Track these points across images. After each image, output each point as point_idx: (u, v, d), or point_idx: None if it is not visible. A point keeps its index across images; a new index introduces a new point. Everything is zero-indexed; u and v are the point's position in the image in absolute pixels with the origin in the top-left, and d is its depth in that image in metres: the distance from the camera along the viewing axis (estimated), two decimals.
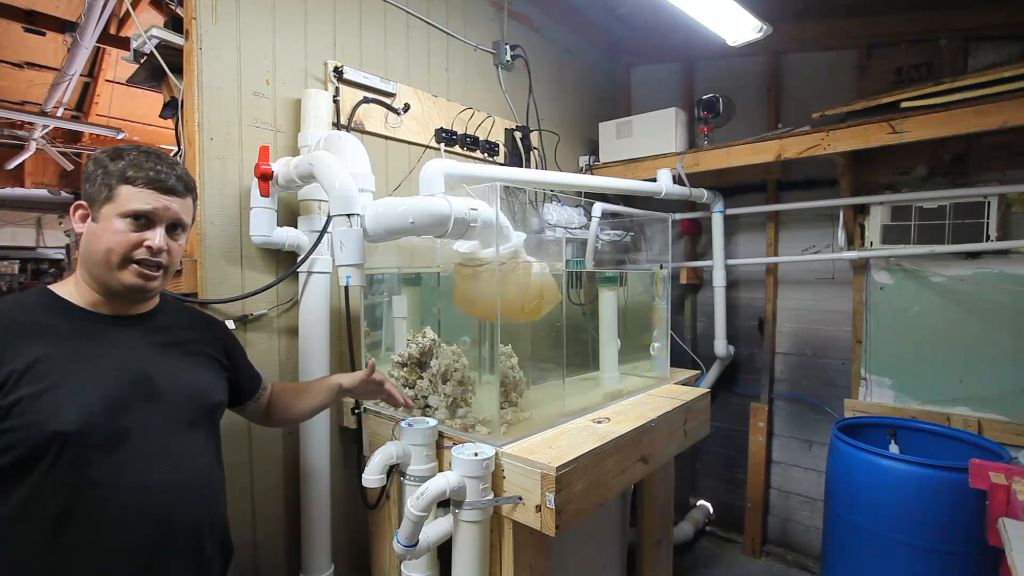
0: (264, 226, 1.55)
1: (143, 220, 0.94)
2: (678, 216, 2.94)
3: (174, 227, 0.99)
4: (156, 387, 0.97)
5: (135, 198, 0.93)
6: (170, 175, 0.97)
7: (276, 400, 1.32)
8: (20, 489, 0.84)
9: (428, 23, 2.16)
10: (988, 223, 2.14)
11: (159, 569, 0.93)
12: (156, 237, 0.95)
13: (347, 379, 1.34)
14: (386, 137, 1.97)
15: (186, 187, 1.00)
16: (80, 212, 0.96)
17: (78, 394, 0.87)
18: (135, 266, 0.95)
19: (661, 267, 2.16)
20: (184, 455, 0.99)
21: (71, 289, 0.97)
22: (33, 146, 4.86)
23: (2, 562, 0.84)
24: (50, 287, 0.97)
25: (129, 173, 0.93)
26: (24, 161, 5.24)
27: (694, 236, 3.09)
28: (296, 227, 1.65)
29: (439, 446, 1.41)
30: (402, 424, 1.39)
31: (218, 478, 1.10)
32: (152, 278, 0.97)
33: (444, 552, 1.34)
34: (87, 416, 0.86)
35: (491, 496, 1.26)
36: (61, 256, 8.29)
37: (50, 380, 0.85)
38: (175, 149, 1.65)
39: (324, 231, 1.56)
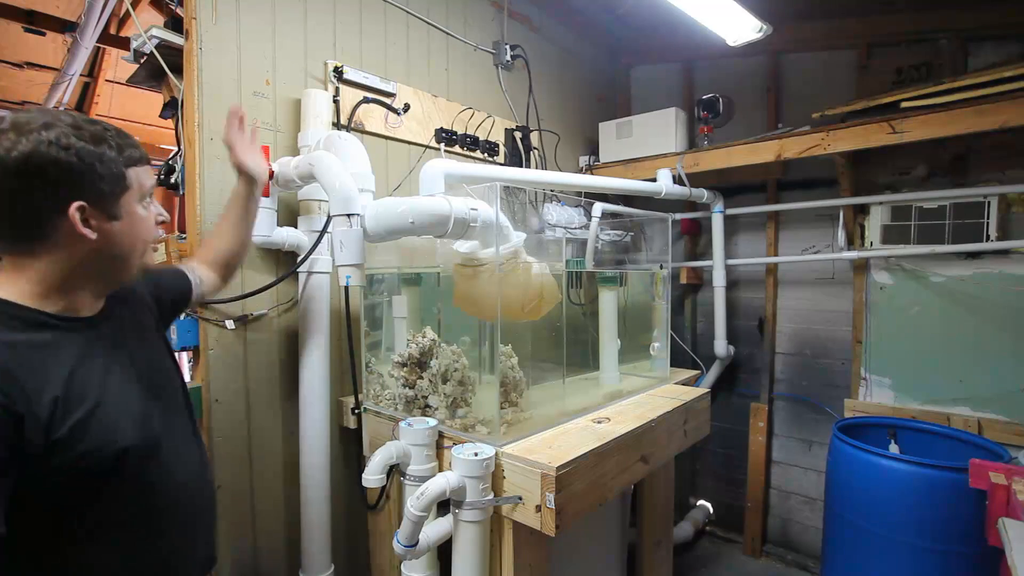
0: (264, 226, 1.55)
1: (149, 198, 0.89)
2: (678, 216, 2.94)
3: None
4: (156, 385, 0.95)
5: (144, 177, 0.87)
6: (141, 146, 0.90)
7: (213, 261, 1.23)
8: (93, 507, 0.81)
9: (428, 23, 2.16)
10: (988, 223, 2.14)
11: (208, 550, 1.00)
12: (160, 208, 0.92)
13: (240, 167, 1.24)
14: (386, 137, 1.97)
15: None
16: (80, 215, 0.78)
17: (121, 407, 0.84)
18: (150, 245, 0.91)
19: (661, 267, 2.16)
20: (191, 444, 1.01)
21: (32, 297, 0.80)
22: None
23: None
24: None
25: (134, 154, 0.86)
26: None
27: (694, 236, 3.09)
28: (296, 227, 1.65)
29: (439, 446, 1.41)
30: (402, 424, 1.39)
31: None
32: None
33: (444, 552, 1.34)
34: (139, 426, 0.85)
35: (491, 496, 1.26)
36: None
37: (90, 398, 0.80)
38: (175, 149, 1.64)
39: (324, 231, 1.56)
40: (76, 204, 0.78)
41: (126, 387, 0.87)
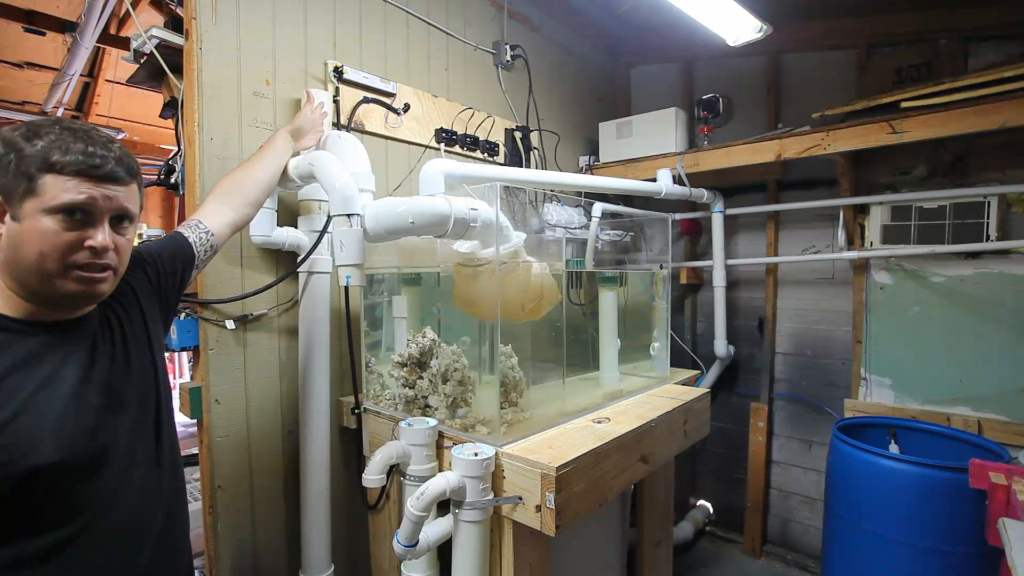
0: (264, 226, 1.55)
1: (79, 215, 0.77)
2: (678, 216, 2.94)
3: (119, 219, 0.83)
4: (119, 396, 0.87)
5: (65, 189, 0.76)
6: (107, 158, 0.79)
7: (243, 202, 1.21)
8: (6, 534, 0.74)
9: (428, 23, 2.16)
10: (988, 223, 2.14)
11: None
12: (99, 235, 0.79)
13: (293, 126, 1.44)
14: (386, 137, 1.97)
15: (128, 171, 0.82)
16: None
17: (48, 421, 0.76)
18: (78, 272, 0.78)
19: (661, 267, 2.16)
20: (154, 461, 0.92)
21: None
22: None
23: None
24: None
25: (54, 158, 0.75)
26: None
27: (694, 236, 3.09)
28: (296, 227, 1.65)
29: (439, 446, 1.41)
30: (402, 424, 1.39)
31: (183, 473, 1.03)
32: (100, 281, 0.81)
33: (444, 552, 1.34)
34: (68, 442, 0.77)
35: (491, 496, 1.26)
36: None
37: (10, 408, 0.73)
38: (175, 149, 1.64)
39: (324, 231, 1.56)
40: None
41: (70, 398, 0.79)
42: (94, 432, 0.81)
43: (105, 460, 0.82)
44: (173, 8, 1.54)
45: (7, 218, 0.77)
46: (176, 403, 1.22)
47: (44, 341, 0.80)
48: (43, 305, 0.81)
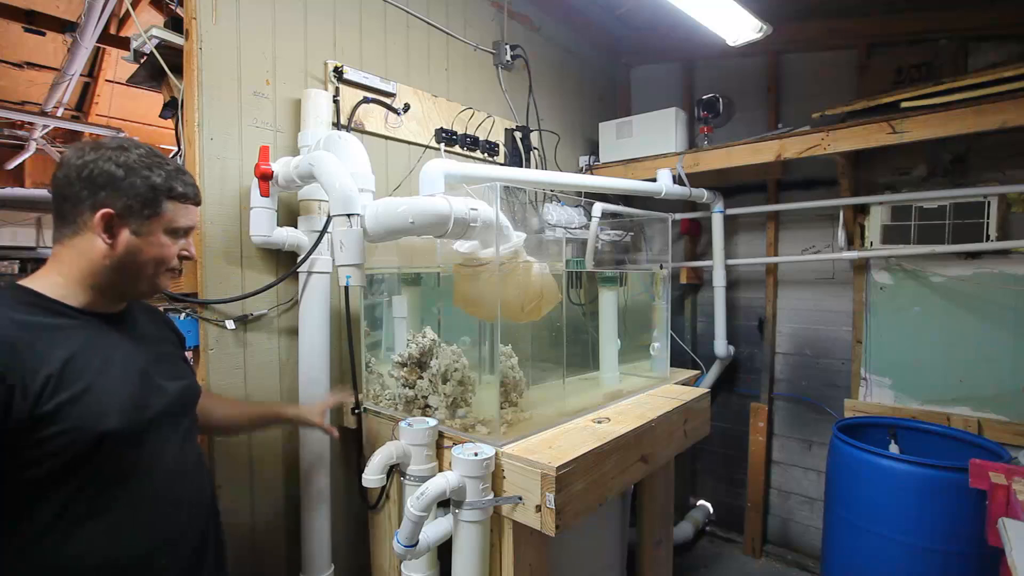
0: (264, 226, 1.55)
1: (181, 232, 1.00)
2: (678, 216, 2.94)
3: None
4: (158, 382, 1.00)
5: (181, 214, 0.99)
6: (197, 188, 1.03)
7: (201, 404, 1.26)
8: (62, 490, 0.85)
9: (428, 23, 2.16)
10: (988, 223, 2.14)
11: (183, 546, 1.01)
12: (191, 246, 1.04)
13: (294, 410, 1.45)
14: (386, 137, 1.97)
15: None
16: (105, 222, 0.90)
17: (111, 394, 0.90)
18: (169, 272, 1.01)
19: (661, 267, 2.16)
20: (188, 446, 1.06)
21: (56, 288, 0.92)
22: (33, 146, 4.85)
23: (52, 559, 0.85)
24: (28, 285, 0.91)
25: (179, 189, 0.97)
26: (24, 161, 5.23)
27: (694, 236, 3.09)
28: (296, 227, 1.65)
29: (439, 446, 1.41)
30: (402, 424, 1.39)
31: (203, 456, 1.17)
32: (177, 278, 1.04)
33: (444, 552, 1.34)
34: (127, 414, 0.90)
35: (491, 496, 1.26)
36: None
37: (83, 382, 0.87)
38: (175, 149, 1.64)
39: (324, 231, 1.56)
40: (104, 211, 0.90)
41: (124, 377, 0.93)
42: (142, 409, 0.94)
43: (147, 433, 0.95)
44: (173, 8, 1.54)
45: (125, 232, 0.92)
46: None
47: (98, 328, 0.94)
48: (111, 297, 0.97)
